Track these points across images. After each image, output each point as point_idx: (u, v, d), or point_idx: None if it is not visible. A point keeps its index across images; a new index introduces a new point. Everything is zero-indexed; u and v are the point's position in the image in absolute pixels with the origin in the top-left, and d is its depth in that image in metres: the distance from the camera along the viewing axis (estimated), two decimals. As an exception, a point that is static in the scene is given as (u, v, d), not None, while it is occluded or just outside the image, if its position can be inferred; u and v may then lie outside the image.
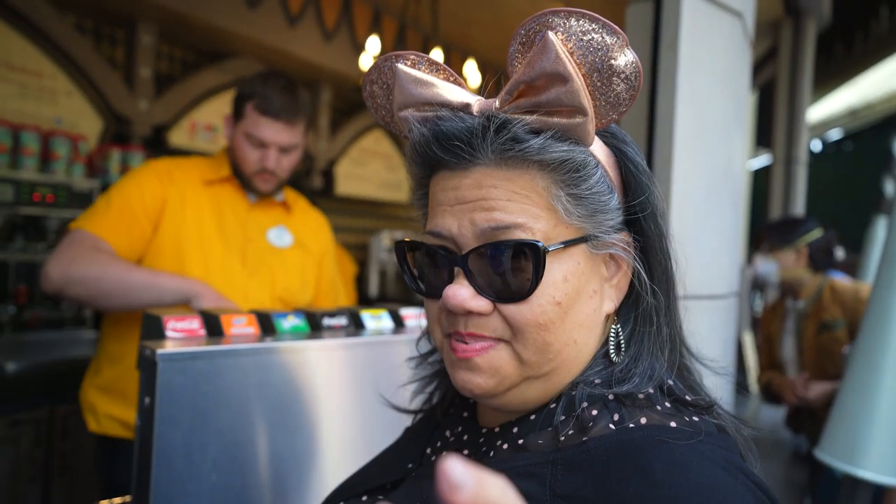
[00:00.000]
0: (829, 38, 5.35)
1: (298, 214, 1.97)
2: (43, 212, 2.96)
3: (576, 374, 0.63)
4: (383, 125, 0.71)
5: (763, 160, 7.06)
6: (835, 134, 8.66)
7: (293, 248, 1.90)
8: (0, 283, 2.83)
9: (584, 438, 0.58)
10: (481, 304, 0.60)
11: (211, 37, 4.10)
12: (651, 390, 0.62)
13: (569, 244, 0.60)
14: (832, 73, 6.22)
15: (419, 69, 0.64)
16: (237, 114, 1.80)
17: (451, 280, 0.62)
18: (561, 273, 0.60)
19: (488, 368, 0.61)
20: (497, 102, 0.60)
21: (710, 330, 1.63)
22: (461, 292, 0.60)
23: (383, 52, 4.35)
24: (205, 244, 1.73)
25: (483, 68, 4.42)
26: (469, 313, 0.61)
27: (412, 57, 0.64)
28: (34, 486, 2.69)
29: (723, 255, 1.70)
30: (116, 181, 1.77)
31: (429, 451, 0.73)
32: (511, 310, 0.60)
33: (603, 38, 0.56)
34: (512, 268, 0.59)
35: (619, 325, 0.65)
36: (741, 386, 3.88)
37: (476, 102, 0.61)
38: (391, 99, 0.67)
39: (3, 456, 2.58)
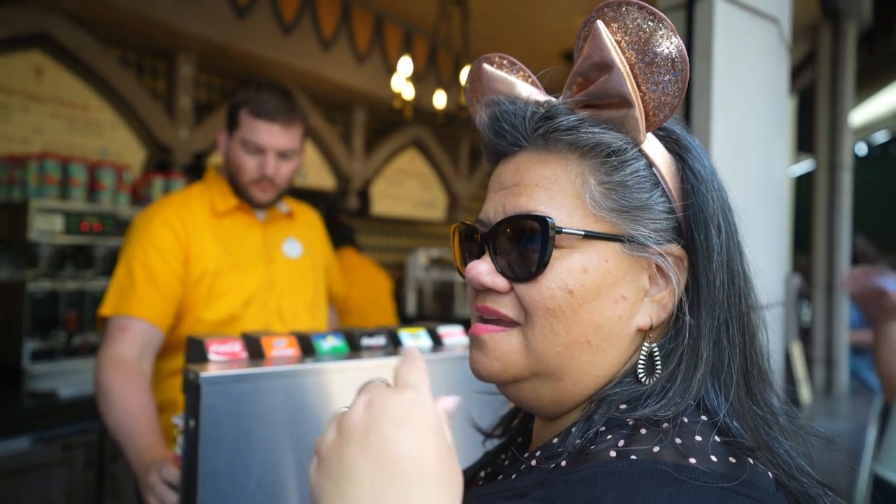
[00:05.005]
0: (872, 38, 5.20)
1: (297, 219, 1.98)
2: (90, 240, 3.06)
3: (593, 385, 0.60)
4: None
5: (806, 166, 6.87)
6: (881, 136, 8.38)
7: (304, 257, 1.92)
8: (51, 310, 2.93)
9: (579, 465, 0.54)
10: (498, 281, 0.61)
11: (247, 64, 4.21)
12: (686, 420, 0.55)
13: (593, 236, 0.58)
14: (876, 74, 6.04)
15: (503, 70, 0.68)
16: (231, 124, 1.77)
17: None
18: (581, 263, 0.58)
19: (493, 350, 0.61)
20: (561, 98, 0.62)
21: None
22: (480, 267, 0.62)
23: (415, 72, 4.40)
24: (235, 278, 1.74)
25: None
26: (488, 290, 0.62)
27: (496, 58, 0.69)
28: (86, 507, 2.76)
29: (767, 265, 1.65)
30: (130, 241, 1.69)
31: (482, 473, 0.72)
32: (522, 290, 0.60)
33: (647, 24, 0.56)
34: (526, 247, 0.59)
35: (655, 345, 0.61)
36: (791, 398, 3.75)
37: (544, 99, 0.63)
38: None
39: (59, 478, 2.65)
